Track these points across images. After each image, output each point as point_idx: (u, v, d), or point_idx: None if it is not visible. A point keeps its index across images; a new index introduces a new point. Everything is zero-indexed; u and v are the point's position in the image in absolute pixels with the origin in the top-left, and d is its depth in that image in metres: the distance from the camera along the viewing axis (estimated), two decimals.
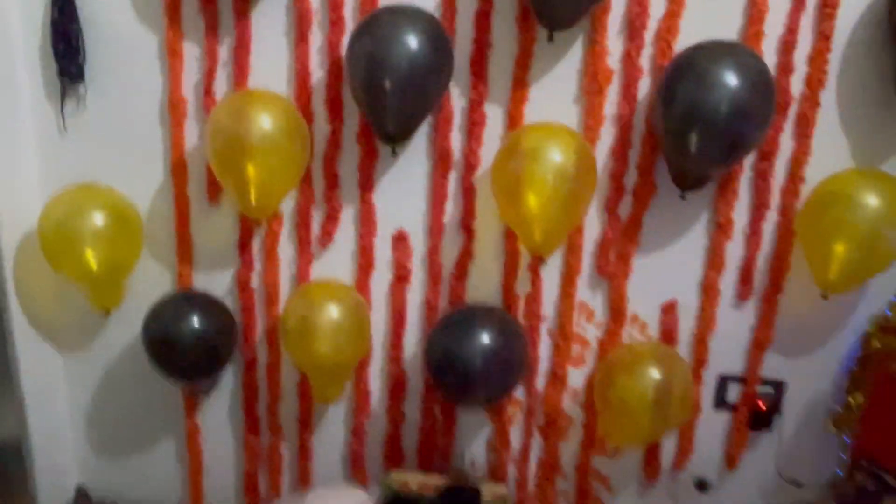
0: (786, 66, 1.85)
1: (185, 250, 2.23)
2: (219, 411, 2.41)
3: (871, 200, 1.76)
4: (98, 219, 2.10)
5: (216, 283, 2.25)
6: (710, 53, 1.73)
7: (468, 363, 1.96)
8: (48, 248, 2.12)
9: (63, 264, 2.13)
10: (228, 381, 2.37)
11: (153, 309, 2.16)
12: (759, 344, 2.08)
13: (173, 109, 2.11)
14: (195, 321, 2.13)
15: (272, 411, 2.36)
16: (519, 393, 2.24)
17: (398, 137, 1.97)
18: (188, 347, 2.13)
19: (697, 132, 1.73)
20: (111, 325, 2.36)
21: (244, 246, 2.21)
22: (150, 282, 2.25)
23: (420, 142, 2.05)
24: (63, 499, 2.55)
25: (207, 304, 2.18)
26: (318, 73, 2.03)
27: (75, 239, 2.09)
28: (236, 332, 2.26)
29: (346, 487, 2.03)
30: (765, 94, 1.73)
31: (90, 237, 2.10)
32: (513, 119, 1.99)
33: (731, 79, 1.69)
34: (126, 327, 2.31)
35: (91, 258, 2.11)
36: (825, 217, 1.83)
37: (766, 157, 1.92)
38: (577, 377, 2.20)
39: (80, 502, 2.58)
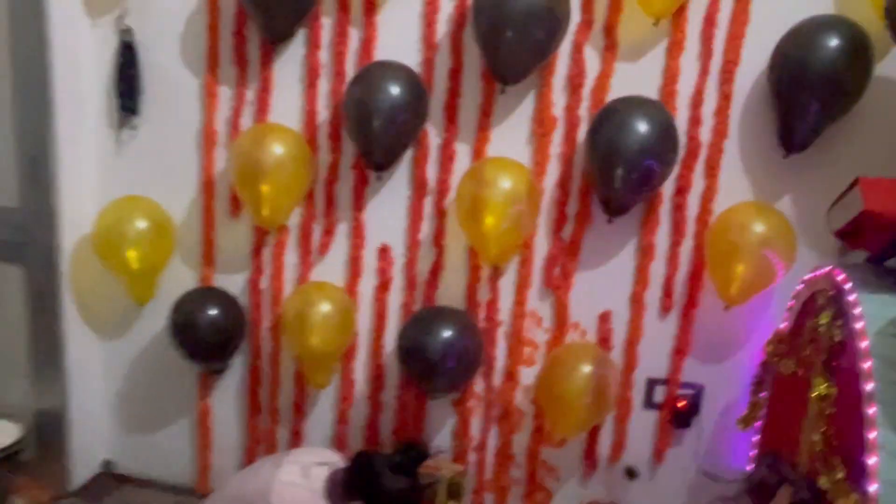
0: (696, 119, 2.29)
1: (208, 254, 2.71)
2: (227, 396, 2.83)
3: (757, 226, 2.17)
4: (140, 225, 2.59)
5: (232, 282, 2.70)
6: (626, 106, 2.18)
7: (432, 352, 2.37)
8: (99, 247, 2.61)
9: (110, 261, 2.61)
10: (237, 370, 2.80)
11: (179, 299, 2.61)
12: (680, 350, 2.45)
13: (207, 139, 2.61)
14: (212, 311, 2.59)
15: (272, 396, 2.78)
16: (479, 388, 2.63)
17: (384, 167, 2.43)
18: (205, 333, 2.58)
19: (617, 168, 2.16)
20: (143, 317, 2.82)
21: (257, 252, 2.67)
22: (179, 280, 2.72)
23: (402, 171, 2.51)
24: (92, 469, 2.97)
25: (223, 299, 2.64)
26: (323, 113, 2.53)
27: (121, 241, 2.58)
28: (246, 324, 2.71)
29: (323, 449, 2.41)
30: (669, 139, 2.17)
31: (133, 240, 2.58)
32: (477, 155, 2.45)
33: (642, 126, 2.14)
34: (156, 319, 2.77)
35: (132, 257, 2.59)
36: (725, 241, 2.23)
37: (682, 192, 2.34)
38: (528, 375, 2.58)
39: (106, 474, 3.00)
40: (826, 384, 1.71)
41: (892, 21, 1.83)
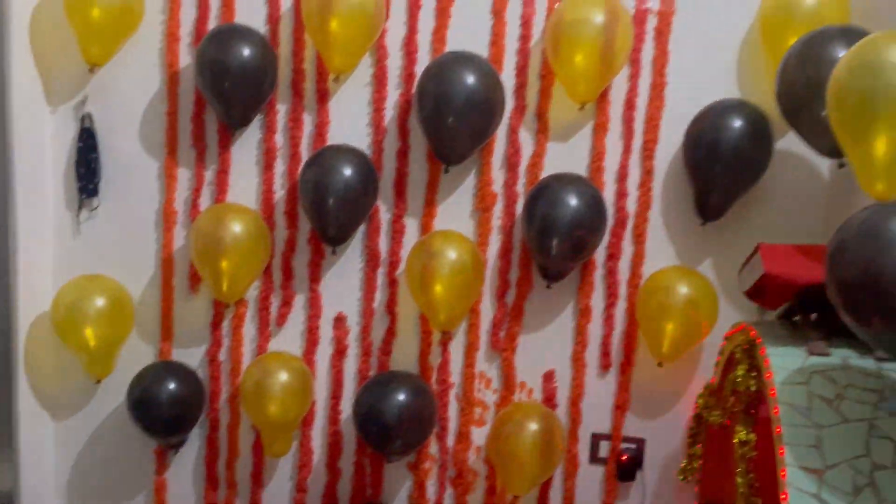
0: (622, 192, 2.52)
1: (167, 329, 2.79)
2: (184, 470, 2.86)
3: (682, 288, 2.38)
4: (98, 303, 2.66)
5: (190, 356, 2.78)
6: (558, 182, 2.40)
7: (387, 416, 2.48)
8: (58, 325, 2.67)
9: (68, 339, 2.67)
10: (193, 443, 2.84)
11: (137, 375, 2.68)
12: (620, 406, 2.62)
13: (166, 218, 2.73)
14: (171, 385, 2.65)
15: (230, 468, 2.82)
16: (433, 450, 2.73)
17: (338, 241, 2.59)
18: (164, 407, 2.63)
19: (553, 239, 2.36)
20: (99, 394, 2.85)
21: (216, 326, 2.77)
22: (137, 356, 2.78)
23: (355, 245, 2.67)
24: None
25: (181, 372, 2.71)
26: (279, 192, 2.68)
27: (79, 319, 2.64)
28: (204, 397, 2.77)
29: None
30: (598, 211, 2.39)
31: (91, 317, 2.65)
32: (425, 229, 2.63)
33: (574, 200, 2.35)
34: (112, 395, 2.81)
35: (90, 335, 2.65)
36: (654, 303, 2.43)
37: (613, 258, 2.55)
38: (479, 436, 2.70)
39: None
40: (745, 430, 1.89)
41: (783, 106, 2.10)
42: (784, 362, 1.78)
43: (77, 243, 2.79)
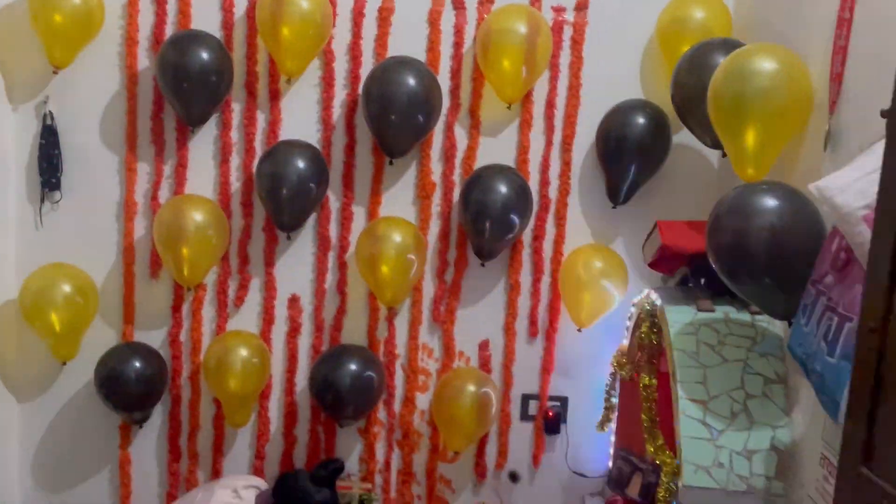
0: (545, 181, 2.87)
1: (129, 313, 2.98)
2: (148, 444, 3.07)
3: (596, 263, 2.75)
4: (64, 289, 2.84)
5: (152, 338, 2.98)
6: (489, 172, 2.73)
7: (339, 383, 2.76)
8: (25, 312, 2.83)
9: (34, 324, 2.83)
10: (156, 419, 3.05)
11: (104, 355, 2.87)
12: (546, 369, 2.98)
13: (127, 210, 2.92)
14: (136, 364, 2.85)
15: (192, 439, 3.04)
16: (382, 415, 3.03)
17: (292, 228, 2.84)
18: (130, 385, 2.83)
19: (485, 222, 2.69)
20: (63, 376, 3.02)
21: (176, 309, 2.98)
22: (100, 338, 2.96)
23: (308, 231, 2.93)
24: None
25: (145, 352, 2.91)
26: (235, 184, 2.92)
27: (45, 305, 2.81)
28: (167, 375, 2.98)
29: (249, 476, 2.71)
30: (525, 197, 2.73)
31: (57, 303, 2.82)
32: (372, 215, 2.91)
33: (503, 188, 2.69)
34: (77, 377, 2.99)
35: (56, 320, 2.82)
36: (573, 276, 2.80)
37: (538, 238, 2.90)
38: (423, 401, 3.02)
39: None
40: (648, 377, 2.27)
41: (677, 106, 2.49)
42: (678, 318, 2.17)
43: (40, 235, 2.94)
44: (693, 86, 2.35)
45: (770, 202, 1.81)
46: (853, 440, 1.08)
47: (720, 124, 2.09)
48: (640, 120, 2.69)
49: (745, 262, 1.86)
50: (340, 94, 2.87)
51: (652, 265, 2.48)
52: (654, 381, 2.26)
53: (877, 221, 1.10)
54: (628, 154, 2.70)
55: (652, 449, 2.15)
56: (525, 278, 2.94)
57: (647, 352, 2.33)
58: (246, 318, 2.98)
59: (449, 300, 2.95)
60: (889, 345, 1.02)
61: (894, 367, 1.01)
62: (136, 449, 3.07)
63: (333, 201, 2.92)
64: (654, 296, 2.34)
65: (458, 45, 2.84)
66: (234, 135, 2.90)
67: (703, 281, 2.33)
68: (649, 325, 2.33)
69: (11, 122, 2.88)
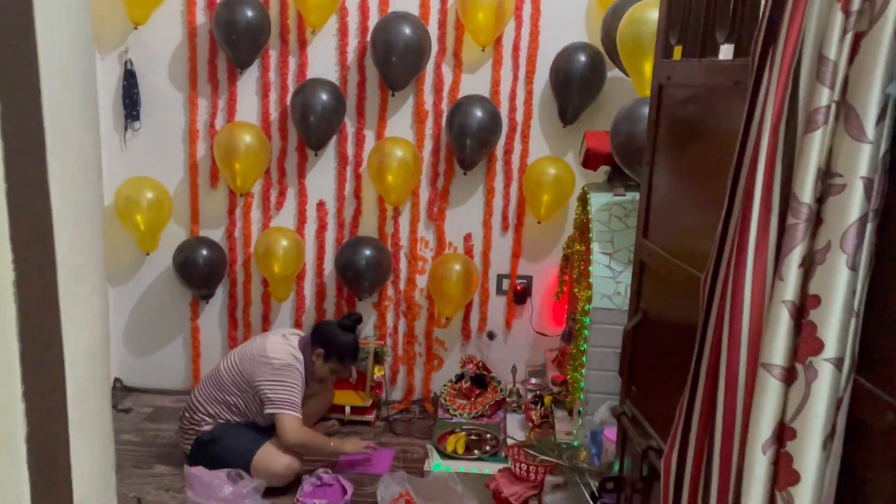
0: (512, 108, 3.72)
1: (195, 215, 3.89)
2: (212, 317, 4.02)
3: (551, 170, 3.62)
4: (146, 196, 3.74)
5: (214, 234, 3.90)
6: (469, 101, 3.59)
7: (357, 264, 3.68)
8: (119, 213, 3.73)
9: (125, 223, 3.74)
10: (218, 297, 3.99)
11: (179, 246, 3.79)
12: (515, 255, 3.88)
13: (191, 135, 3.80)
14: (203, 252, 3.78)
15: (246, 312, 3.99)
16: (390, 292, 3.96)
17: (318, 147, 3.72)
18: (200, 267, 3.76)
19: (466, 139, 3.56)
20: (146, 265, 3.95)
21: (231, 211, 3.89)
22: (174, 235, 3.88)
23: (330, 150, 3.81)
24: None
25: (209, 244, 3.83)
26: (274, 113, 3.79)
27: (132, 209, 3.71)
28: (226, 262, 3.90)
29: (294, 329, 3.65)
30: (496, 121, 3.59)
31: (140, 208, 3.73)
32: (379, 137, 3.78)
33: (480, 113, 3.54)
34: (157, 265, 3.92)
35: (140, 220, 3.74)
36: (534, 181, 3.67)
37: (508, 152, 3.77)
38: (421, 280, 3.93)
39: (118, 387, 4.09)
40: (579, 244, 3.17)
41: (606, 48, 3.32)
42: (599, 200, 3.05)
43: (125, 155, 3.84)
44: (613, 30, 3.17)
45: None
46: None
47: (626, 59, 2.94)
48: (582, 58, 3.52)
49: (634, 155, 2.73)
50: (353, 42, 3.71)
51: (583, 164, 3.35)
52: (583, 247, 3.16)
53: None
54: (574, 86, 3.54)
55: (577, 288, 3.06)
56: (498, 184, 3.82)
57: (579, 227, 3.23)
58: (284, 218, 3.89)
59: (440, 202, 3.84)
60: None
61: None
62: (203, 320, 4.02)
63: (349, 126, 3.79)
64: (587, 188, 3.22)
65: (443, 1, 3.66)
66: (272, 75, 3.75)
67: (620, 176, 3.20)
68: (581, 208, 3.21)
69: (100, 68, 3.73)
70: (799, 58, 1.02)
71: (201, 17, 3.71)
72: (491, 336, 3.97)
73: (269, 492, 3.06)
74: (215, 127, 3.80)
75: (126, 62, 3.73)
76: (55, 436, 0.92)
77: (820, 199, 1.00)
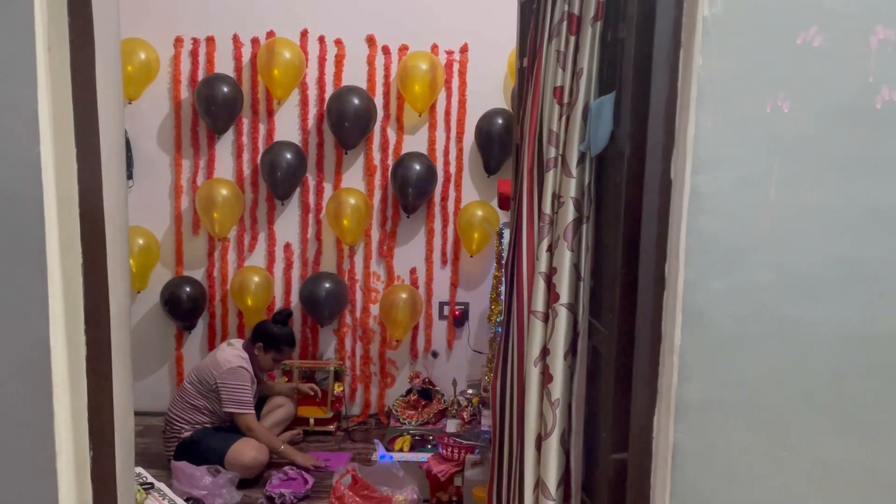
0: (446, 161, 4.47)
1: (179, 258, 4.56)
2: (194, 345, 4.65)
3: (479, 212, 4.35)
4: (137, 242, 4.41)
5: (196, 273, 4.57)
6: (410, 158, 4.33)
7: (319, 296, 4.36)
8: None
9: None
10: (199, 329, 4.63)
11: (166, 284, 4.45)
12: (454, 284, 4.58)
13: (176, 190, 4.50)
14: (186, 289, 4.43)
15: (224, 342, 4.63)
16: (348, 320, 4.62)
17: (284, 197, 4.43)
18: (183, 302, 4.42)
19: (409, 189, 4.29)
20: (136, 301, 4.59)
21: (210, 254, 4.57)
22: (160, 275, 4.54)
23: (295, 200, 4.52)
24: None
25: (192, 282, 4.49)
26: (247, 171, 4.51)
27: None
28: (206, 298, 4.56)
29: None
30: (433, 173, 4.34)
31: (133, 252, 4.40)
32: (336, 187, 4.51)
33: (419, 167, 4.29)
34: (146, 301, 4.56)
35: (132, 263, 4.41)
36: (466, 222, 4.40)
37: (444, 199, 4.50)
38: (375, 309, 4.61)
39: None
40: (497, 271, 3.88)
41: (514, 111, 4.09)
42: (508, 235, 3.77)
43: None
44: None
45: None
46: None
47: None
48: (500, 121, 4.29)
49: None
50: (313, 111, 4.46)
51: (500, 206, 4.09)
52: (499, 273, 3.86)
53: None
54: (494, 143, 4.30)
55: (493, 305, 3.76)
56: (437, 225, 4.54)
57: (497, 257, 3.95)
58: (256, 259, 4.57)
59: (389, 241, 4.55)
60: None
61: None
62: (186, 349, 4.65)
63: (311, 179, 4.51)
64: (503, 225, 3.95)
65: (386, 77, 4.44)
66: (245, 139, 4.48)
67: None
68: (498, 241, 3.94)
69: None
70: (540, 129, 1.74)
71: (185, 93, 4.45)
72: (435, 355, 4.64)
73: (242, 484, 3.66)
74: (197, 183, 4.51)
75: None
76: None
77: (554, 211, 1.71)
